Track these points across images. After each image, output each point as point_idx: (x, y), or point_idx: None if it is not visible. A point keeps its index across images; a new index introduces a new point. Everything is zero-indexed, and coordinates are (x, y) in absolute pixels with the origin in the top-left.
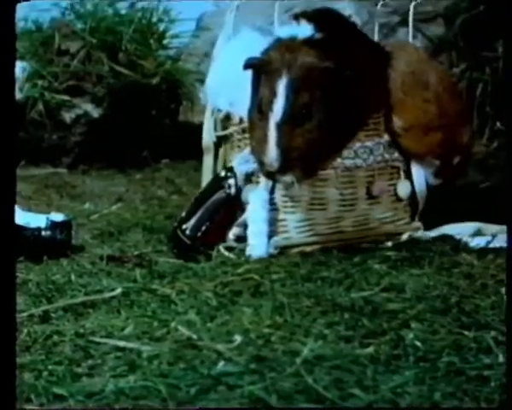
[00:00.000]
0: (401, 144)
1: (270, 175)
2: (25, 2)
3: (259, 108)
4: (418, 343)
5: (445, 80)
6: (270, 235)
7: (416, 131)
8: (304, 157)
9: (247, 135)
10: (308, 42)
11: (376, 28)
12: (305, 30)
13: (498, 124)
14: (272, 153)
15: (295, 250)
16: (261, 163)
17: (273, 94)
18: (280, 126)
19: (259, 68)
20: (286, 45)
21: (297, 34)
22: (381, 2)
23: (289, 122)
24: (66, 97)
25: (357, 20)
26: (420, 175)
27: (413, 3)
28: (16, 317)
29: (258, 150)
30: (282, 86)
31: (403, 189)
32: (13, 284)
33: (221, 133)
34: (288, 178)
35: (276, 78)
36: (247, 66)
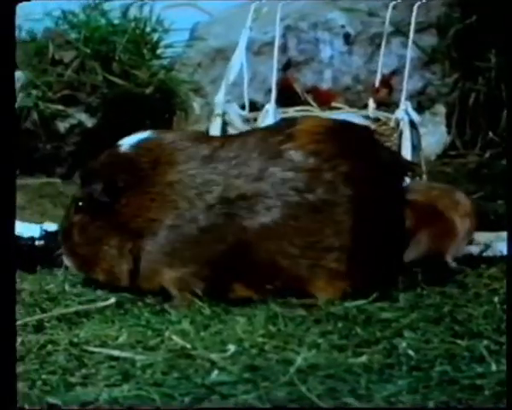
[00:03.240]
0: None
1: None
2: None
3: None
4: (411, 352)
5: None
6: None
7: None
8: None
9: None
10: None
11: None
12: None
13: (491, 134)
14: None
15: None
16: None
17: None
18: None
19: None
20: None
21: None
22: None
23: None
24: (60, 107)
25: (350, 30)
26: None
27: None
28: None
29: None
30: None
31: None
32: (13, 293)
33: None
34: None
35: None
36: None
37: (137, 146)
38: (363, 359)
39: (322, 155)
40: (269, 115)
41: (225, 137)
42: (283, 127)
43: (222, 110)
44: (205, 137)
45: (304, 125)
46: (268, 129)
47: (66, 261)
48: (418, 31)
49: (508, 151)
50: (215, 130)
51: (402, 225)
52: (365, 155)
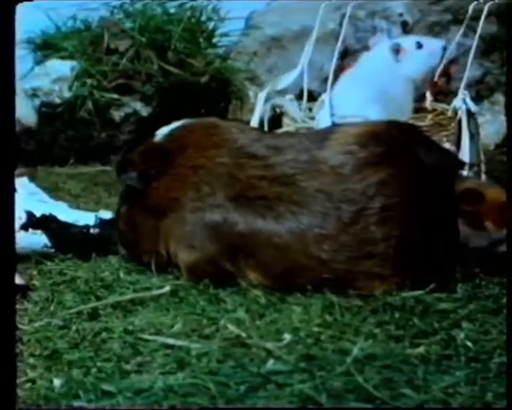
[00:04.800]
0: None
1: None
2: (69, 2)
3: None
4: (469, 343)
5: None
6: None
7: None
8: None
9: None
10: None
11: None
12: None
13: None
14: None
15: None
16: None
17: None
18: None
19: None
20: None
21: None
22: None
23: None
24: (115, 96)
25: (408, 18)
26: None
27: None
28: (19, 324)
29: None
30: None
31: None
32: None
33: None
34: None
35: None
36: None
37: (170, 134)
38: (421, 349)
39: (358, 163)
40: (324, 106)
41: (263, 132)
42: (321, 133)
43: (263, 104)
44: (246, 127)
45: (341, 132)
46: (306, 134)
47: (121, 251)
48: (477, 19)
49: (508, 149)
50: (255, 120)
51: (451, 226)
52: (408, 160)
